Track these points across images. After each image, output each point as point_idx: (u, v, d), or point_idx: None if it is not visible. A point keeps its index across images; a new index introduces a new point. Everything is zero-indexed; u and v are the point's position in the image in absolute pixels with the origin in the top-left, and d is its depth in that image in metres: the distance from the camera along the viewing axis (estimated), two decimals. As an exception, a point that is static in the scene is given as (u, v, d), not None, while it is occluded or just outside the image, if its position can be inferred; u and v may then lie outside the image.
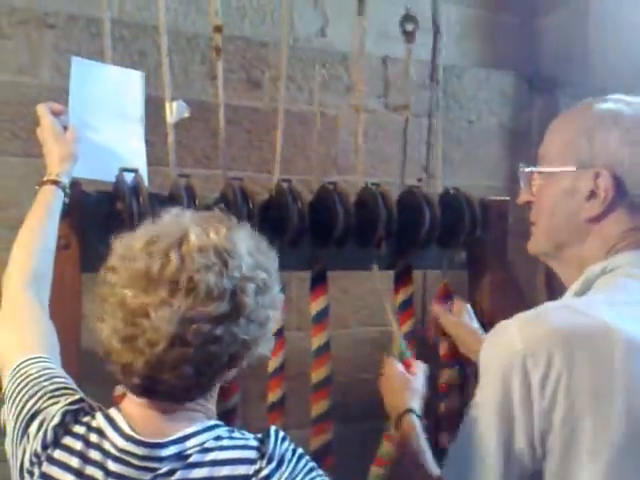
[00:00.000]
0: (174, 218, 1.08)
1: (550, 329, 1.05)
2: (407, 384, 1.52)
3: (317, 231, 1.77)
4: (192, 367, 0.99)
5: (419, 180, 2.09)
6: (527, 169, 1.25)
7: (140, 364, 0.99)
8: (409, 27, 1.98)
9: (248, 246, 1.05)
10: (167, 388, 1.01)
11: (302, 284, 1.74)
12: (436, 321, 1.81)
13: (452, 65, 2.54)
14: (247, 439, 1.08)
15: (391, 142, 2.42)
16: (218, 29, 1.78)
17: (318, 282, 1.82)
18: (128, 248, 1.04)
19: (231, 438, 1.07)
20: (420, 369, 1.57)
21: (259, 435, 1.09)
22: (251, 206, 1.67)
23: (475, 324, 1.76)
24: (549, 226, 1.21)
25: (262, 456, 1.05)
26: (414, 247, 1.88)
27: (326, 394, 1.81)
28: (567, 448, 1.03)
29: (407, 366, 1.59)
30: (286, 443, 1.08)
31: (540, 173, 1.22)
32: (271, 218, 1.71)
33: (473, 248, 1.97)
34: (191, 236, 1.02)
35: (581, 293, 1.15)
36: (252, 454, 1.05)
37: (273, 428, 1.09)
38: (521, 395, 1.04)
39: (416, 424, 1.42)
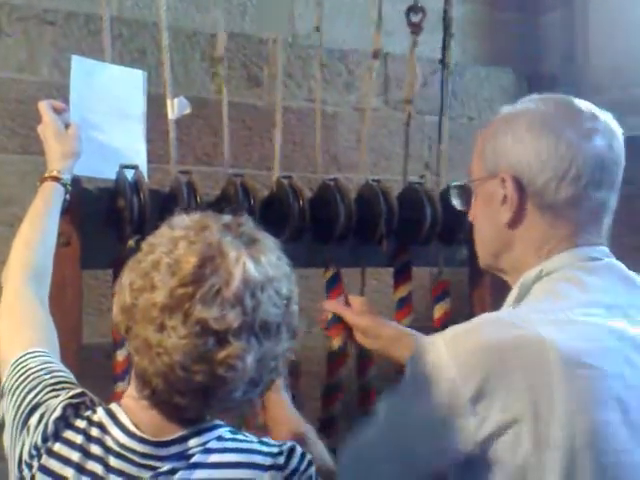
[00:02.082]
0: (201, 235, 1.00)
1: (481, 345, 1.00)
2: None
3: (318, 228, 1.77)
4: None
5: (421, 177, 2.09)
6: (454, 183, 1.29)
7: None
8: (415, 18, 1.95)
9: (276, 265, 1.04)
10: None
11: (302, 281, 1.73)
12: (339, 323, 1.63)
13: (453, 62, 2.53)
14: (252, 442, 1.07)
15: (392, 139, 2.42)
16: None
17: (334, 284, 1.79)
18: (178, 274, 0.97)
19: (234, 440, 1.06)
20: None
21: (281, 446, 1.08)
22: (252, 203, 1.67)
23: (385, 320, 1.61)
24: (481, 238, 1.22)
25: (279, 469, 1.05)
26: (415, 244, 1.87)
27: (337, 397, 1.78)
28: (506, 466, 0.99)
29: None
30: (312, 469, 1.09)
31: (467, 190, 1.24)
32: (272, 215, 1.70)
33: (474, 245, 1.96)
34: (236, 277, 0.97)
35: (518, 301, 1.13)
36: (260, 459, 1.05)
37: (300, 449, 1.10)
38: (445, 414, 0.99)
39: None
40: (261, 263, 0.99)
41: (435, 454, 1.04)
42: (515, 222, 1.14)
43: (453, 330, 1.06)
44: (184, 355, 0.95)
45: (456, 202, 1.29)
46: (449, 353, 1.00)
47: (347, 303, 1.63)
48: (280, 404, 1.36)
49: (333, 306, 1.64)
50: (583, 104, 1.15)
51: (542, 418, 0.98)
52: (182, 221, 1.03)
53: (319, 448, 1.26)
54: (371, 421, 1.13)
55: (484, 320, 1.07)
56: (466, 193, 1.25)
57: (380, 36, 1.94)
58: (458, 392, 0.98)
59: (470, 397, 0.98)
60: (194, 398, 0.99)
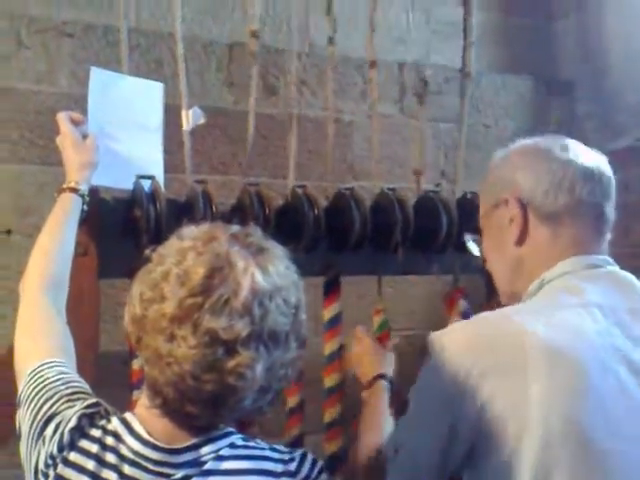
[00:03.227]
0: (209, 245, 1.01)
1: (472, 335, 1.14)
2: (379, 353, 1.62)
3: (333, 237, 1.77)
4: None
5: (437, 185, 2.09)
6: (469, 238, 1.44)
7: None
8: (420, 90, 1.99)
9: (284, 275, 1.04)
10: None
11: (318, 290, 1.74)
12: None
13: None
14: (263, 449, 1.08)
15: (407, 147, 2.42)
16: (254, 34, 1.80)
17: (331, 288, 1.81)
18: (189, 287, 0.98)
19: (246, 447, 1.07)
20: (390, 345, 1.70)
21: (292, 452, 1.09)
22: (267, 212, 1.68)
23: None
24: (497, 269, 1.30)
25: (291, 475, 1.06)
26: (431, 252, 1.87)
27: (338, 400, 1.80)
28: (494, 448, 1.07)
29: (380, 340, 1.71)
30: (323, 476, 1.09)
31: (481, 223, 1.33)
32: (287, 223, 1.71)
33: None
34: (244, 287, 0.97)
35: None
36: (272, 466, 1.06)
37: (312, 456, 1.10)
38: (448, 394, 1.10)
39: (386, 389, 1.52)
40: (269, 272, 1.00)
41: (458, 420, 1.11)
42: (522, 238, 1.22)
43: (451, 326, 1.23)
44: (194, 364, 0.95)
45: (474, 249, 1.42)
46: (447, 343, 1.13)
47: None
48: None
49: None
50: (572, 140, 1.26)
51: (521, 405, 1.06)
52: (191, 232, 1.04)
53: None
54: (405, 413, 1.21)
55: (478, 316, 1.19)
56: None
57: (372, 46, 1.94)
58: (456, 374, 1.10)
59: (463, 377, 1.09)
60: (205, 407, 0.99)
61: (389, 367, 1.59)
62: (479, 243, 1.37)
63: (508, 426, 1.06)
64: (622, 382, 1.09)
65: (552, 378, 1.06)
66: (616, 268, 1.22)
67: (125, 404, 1.14)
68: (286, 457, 1.08)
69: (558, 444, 1.05)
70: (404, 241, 1.79)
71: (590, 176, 1.20)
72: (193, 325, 0.95)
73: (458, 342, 1.13)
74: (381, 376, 1.55)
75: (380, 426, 1.39)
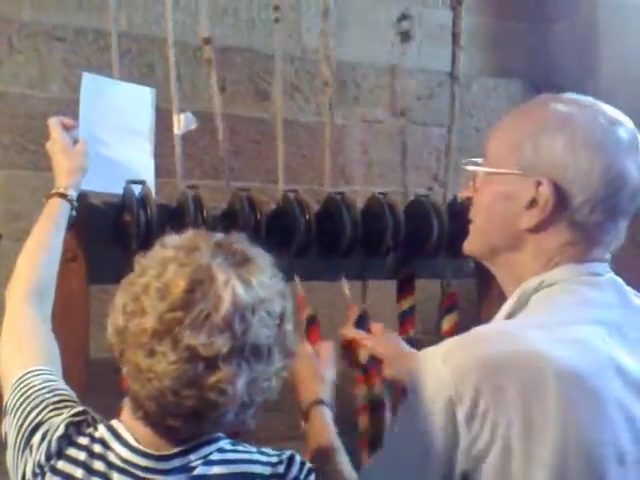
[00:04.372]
0: (191, 256, 1.00)
1: (477, 358, 0.98)
2: (317, 371, 1.44)
3: (324, 241, 1.77)
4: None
5: (429, 189, 2.09)
6: (469, 166, 1.18)
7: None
8: (405, 26, 1.95)
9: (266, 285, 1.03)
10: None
11: (308, 295, 1.74)
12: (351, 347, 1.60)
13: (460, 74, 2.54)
14: (251, 452, 1.08)
15: (399, 151, 2.42)
16: (207, 41, 1.80)
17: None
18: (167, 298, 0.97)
19: (235, 451, 1.07)
20: (328, 348, 1.50)
21: (281, 455, 1.09)
22: (258, 217, 1.68)
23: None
24: (485, 228, 1.14)
25: (280, 477, 1.07)
26: (422, 256, 1.87)
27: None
28: None
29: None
30: (311, 477, 1.10)
31: (482, 171, 1.15)
32: (278, 228, 1.71)
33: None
34: (225, 301, 0.97)
35: (516, 312, 1.09)
36: (260, 469, 1.06)
37: (300, 458, 1.10)
38: (444, 430, 0.98)
39: (327, 417, 1.36)
40: (252, 285, 0.99)
41: (441, 467, 1.01)
42: (537, 229, 1.08)
43: (449, 343, 1.03)
44: (174, 380, 0.95)
45: (465, 185, 1.21)
46: (445, 368, 0.98)
47: (368, 330, 1.62)
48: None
49: (353, 333, 1.61)
50: (630, 128, 1.10)
51: (534, 436, 0.96)
52: (173, 240, 1.03)
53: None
54: (385, 439, 1.13)
55: (481, 333, 1.04)
56: (480, 178, 1.16)
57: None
58: (454, 409, 0.97)
59: (465, 414, 0.96)
60: (186, 421, 0.99)
61: (326, 391, 1.42)
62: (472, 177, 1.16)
63: (514, 459, 0.96)
64: (628, 409, 1.02)
65: (568, 405, 0.97)
66: (614, 275, 1.12)
67: (117, 412, 1.14)
68: (274, 460, 1.08)
69: (572, 472, 0.98)
70: (395, 246, 1.79)
71: (634, 195, 1.07)
72: (173, 341, 0.95)
73: (462, 365, 0.97)
74: (319, 402, 1.39)
75: (336, 459, 1.26)
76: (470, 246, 1.19)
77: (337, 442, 1.30)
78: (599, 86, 2.58)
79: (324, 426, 1.34)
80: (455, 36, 2.02)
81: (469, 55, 2.63)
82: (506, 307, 1.12)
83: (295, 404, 1.41)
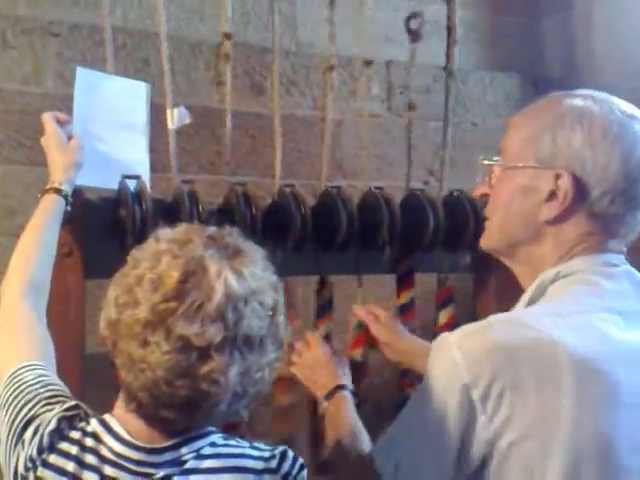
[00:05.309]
0: (185, 249, 1.00)
1: (492, 345, 1.01)
2: (334, 362, 1.52)
3: (320, 235, 1.77)
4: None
5: (425, 183, 2.09)
6: (486, 162, 1.20)
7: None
8: (414, 25, 1.95)
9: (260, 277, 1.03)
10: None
11: (304, 289, 1.74)
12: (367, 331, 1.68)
13: (456, 68, 2.54)
14: (244, 447, 1.08)
15: (395, 146, 2.42)
16: (227, 36, 1.79)
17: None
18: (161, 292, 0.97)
19: (227, 445, 1.07)
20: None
21: (273, 450, 1.09)
22: (254, 211, 1.68)
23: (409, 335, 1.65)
24: (503, 223, 1.16)
25: (272, 472, 1.06)
26: (418, 250, 1.87)
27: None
28: (508, 467, 1.00)
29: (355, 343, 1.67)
30: (304, 472, 1.09)
31: (499, 167, 1.16)
32: (274, 223, 1.71)
33: (478, 251, 1.96)
34: (218, 291, 0.97)
35: (534, 301, 1.11)
36: (253, 463, 1.06)
37: (292, 453, 1.10)
38: (459, 414, 1.01)
39: (350, 402, 1.41)
40: (244, 276, 0.99)
41: (456, 451, 1.04)
42: (556, 221, 1.10)
43: (464, 329, 1.05)
44: (167, 371, 0.96)
45: (483, 182, 1.22)
46: (460, 353, 1.01)
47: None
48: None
49: (361, 314, 1.69)
50: None
51: (548, 421, 0.98)
52: (167, 234, 1.04)
53: None
54: (397, 422, 1.13)
55: (496, 320, 1.06)
56: (497, 174, 1.17)
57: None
58: (469, 391, 1.00)
59: (479, 396, 0.99)
60: (179, 412, 1.00)
61: (348, 378, 1.51)
62: (489, 173, 1.19)
63: (529, 446, 0.99)
64: None
65: (583, 393, 0.99)
66: (629, 267, 1.14)
67: (113, 406, 1.14)
68: (266, 454, 1.08)
69: (585, 460, 1.00)
70: (391, 240, 1.79)
71: None
72: (166, 331, 0.95)
73: (477, 350, 1.01)
74: (341, 387, 1.46)
75: (356, 434, 1.31)
76: (488, 242, 1.21)
77: (359, 425, 1.34)
78: (595, 80, 2.58)
79: (347, 410, 1.38)
80: (449, 30, 2.01)
81: (465, 49, 2.64)
82: (525, 298, 1.13)
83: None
